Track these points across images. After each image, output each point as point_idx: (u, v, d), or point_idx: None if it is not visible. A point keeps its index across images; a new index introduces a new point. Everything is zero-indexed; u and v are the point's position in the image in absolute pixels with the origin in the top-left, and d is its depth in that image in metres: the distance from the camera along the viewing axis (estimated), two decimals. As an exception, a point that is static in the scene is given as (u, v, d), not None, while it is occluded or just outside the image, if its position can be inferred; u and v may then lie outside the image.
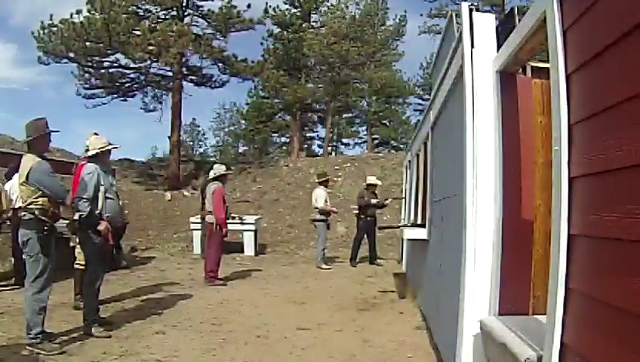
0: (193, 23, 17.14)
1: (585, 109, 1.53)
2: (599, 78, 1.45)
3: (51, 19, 15.20)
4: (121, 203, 4.91)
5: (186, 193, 15.67)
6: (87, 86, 17.84)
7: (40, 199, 3.84)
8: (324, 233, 8.90)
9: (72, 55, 15.76)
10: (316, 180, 9.87)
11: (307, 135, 32.19)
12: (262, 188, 15.96)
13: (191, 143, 42.81)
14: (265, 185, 16.24)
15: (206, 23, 17.35)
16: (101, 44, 15.48)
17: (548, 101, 1.97)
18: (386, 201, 9.92)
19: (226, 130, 42.39)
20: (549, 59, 1.73)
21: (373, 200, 9.33)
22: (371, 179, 9.73)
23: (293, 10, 22.79)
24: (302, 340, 4.27)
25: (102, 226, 4.21)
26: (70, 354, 3.72)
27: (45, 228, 3.83)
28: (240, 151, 38.86)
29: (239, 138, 38.34)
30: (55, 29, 15.13)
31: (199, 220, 9.25)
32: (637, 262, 1.21)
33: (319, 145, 32.19)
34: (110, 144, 4.52)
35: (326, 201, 9.02)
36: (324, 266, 8.73)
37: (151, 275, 7.58)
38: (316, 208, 8.99)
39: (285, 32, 22.40)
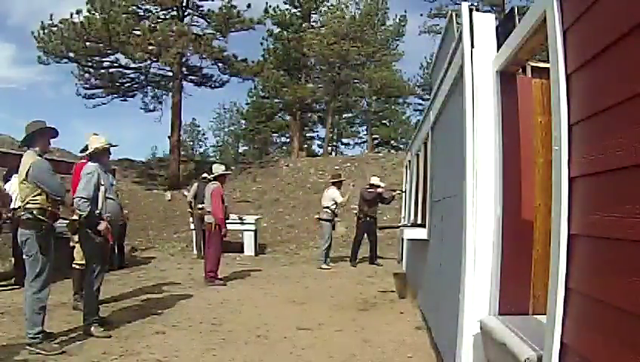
0: (193, 23, 17.15)
1: (585, 109, 1.53)
2: (599, 78, 1.45)
3: (51, 19, 15.23)
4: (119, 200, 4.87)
5: (186, 193, 15.65)
6: (87, 86, 17.84)
7: (38, 198, 3.83)
8: (329, 233, 8.88)
9: (72, 55, 15.77)
10: (330, 180, 9.79)
11: (307, 135, 32.17)
12: (262, 188, 15.96)
13: (191, 143, 42.88)
14: (265, 185, 16.23)
15: (206, 23, 17.36)
16: (101, 44, 15.48)
17: (548, 101, 1.96)
18: (395, 193, 9.84)
19: (226, 130, 42.55)
20: (549, 59, 1.73)
21: (381, 190, 9.21)
22: (375, 180, 9.65)
23: (293, 10, 22.81)
24: (302, 340, 4.27)
25: (102, 226, 4.21)
26: (70, 354, 3.72)
27: (43, 227, 3.83)
28: (240, 151, 38.92)
29: (239, 138, 38.40)
30: (55, 29, 15.14)
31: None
32: (637, 262, 1.21)
33: (319, 145, 32.22)
34: (109, 143, 4.52)
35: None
36: (324, 266, 8.72)
37: (151, 275, 7.59)
38: (326, 207, 8.93)
39: (285, 32, 22.39)
